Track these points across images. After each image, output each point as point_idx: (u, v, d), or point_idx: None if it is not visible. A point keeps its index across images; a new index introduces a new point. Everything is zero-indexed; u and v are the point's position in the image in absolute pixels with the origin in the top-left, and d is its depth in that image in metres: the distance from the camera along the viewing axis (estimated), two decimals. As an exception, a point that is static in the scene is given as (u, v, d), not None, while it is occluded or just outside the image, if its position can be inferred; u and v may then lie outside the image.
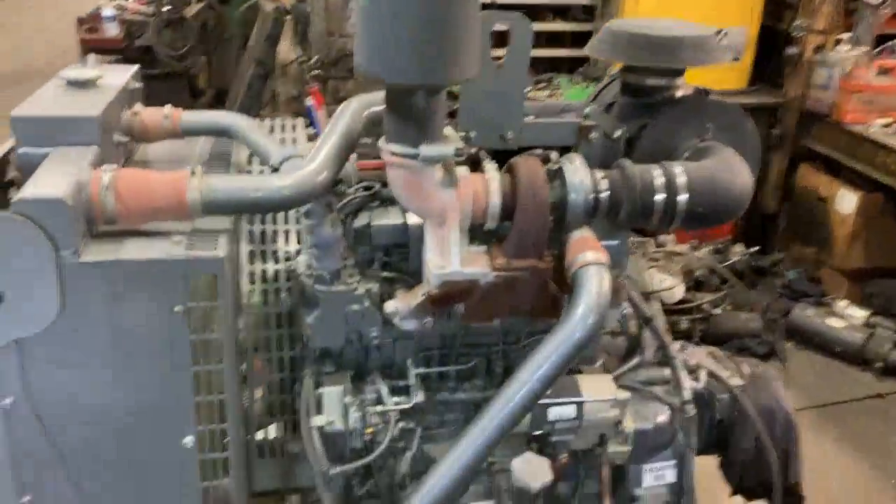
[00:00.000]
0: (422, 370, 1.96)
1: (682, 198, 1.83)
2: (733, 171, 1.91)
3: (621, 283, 1.96)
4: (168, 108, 1.95)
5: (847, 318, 4.64)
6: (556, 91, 4.33)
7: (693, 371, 2.18)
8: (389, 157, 1.71)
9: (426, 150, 1.68)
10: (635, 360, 2.18)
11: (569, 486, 2.17)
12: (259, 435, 2.02)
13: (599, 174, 1.85)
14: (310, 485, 1.99)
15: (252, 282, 1.93)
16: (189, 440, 1.65)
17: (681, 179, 1.84)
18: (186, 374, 1.59)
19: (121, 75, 1.94)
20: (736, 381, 2.29)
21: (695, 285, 4.33)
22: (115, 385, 1.57)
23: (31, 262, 1.44)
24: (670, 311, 4.16)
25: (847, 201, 4.85)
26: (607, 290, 1.73)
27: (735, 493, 2.39)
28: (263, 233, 2.00)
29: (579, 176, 1.82)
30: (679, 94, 2.12)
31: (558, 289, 1.87)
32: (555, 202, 1.82)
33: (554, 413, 1.94)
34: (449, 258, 1.79)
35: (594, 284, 1.72)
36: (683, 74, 2.12)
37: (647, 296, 4.07)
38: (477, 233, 1.87)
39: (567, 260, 1.80)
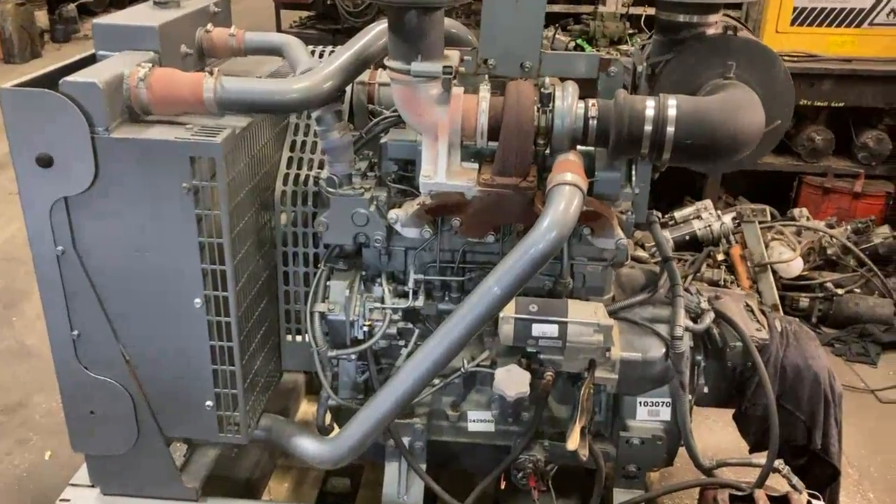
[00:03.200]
0: (420, 276, 2.14)
1: (670, 130, 1.86)
2: (737, 109, 1.89)
3: (612, 213, 2.01)
4: (234, 28, 2.25)
5: None
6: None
7: (699, 314, 2.17)
8: (390, 72, 1.90)
9: (417, 66, 1.85)
10: (642, 296, 2.21)
11: (567, 409, 2.26)
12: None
13: (591, 102, 1.92)
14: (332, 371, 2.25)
15: (285, 184, 2.19)
16: (198, 301, 1.95)
17: (671, 112, 1.86)
18: (193, 243, 1.89)
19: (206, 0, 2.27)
20: (760, 335, 2.24)
21: (826, 264, 4.09)
22: (140, 244, 1.90)
23: (71, 134, 1.79)
24: (789, 286, 3.97)
25: None
26: (575, 210, 1.81)
27: (754, 449, 2.34)
28: (304, 143, 2.26)
29: (567, 102, 1.90)
30: (710, 31, 2.11)
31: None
32: (544, 126, 1.92)
33: (537, 329, 2.03)
34: (437, 170, 1.95)
35: (563, 203, 1.81)
36: (718, 12, 2.11)
37: (762, 266, 3.96)
38: (486, 156, 2.01)
39: (548, 180, 1.90)
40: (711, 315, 2.17)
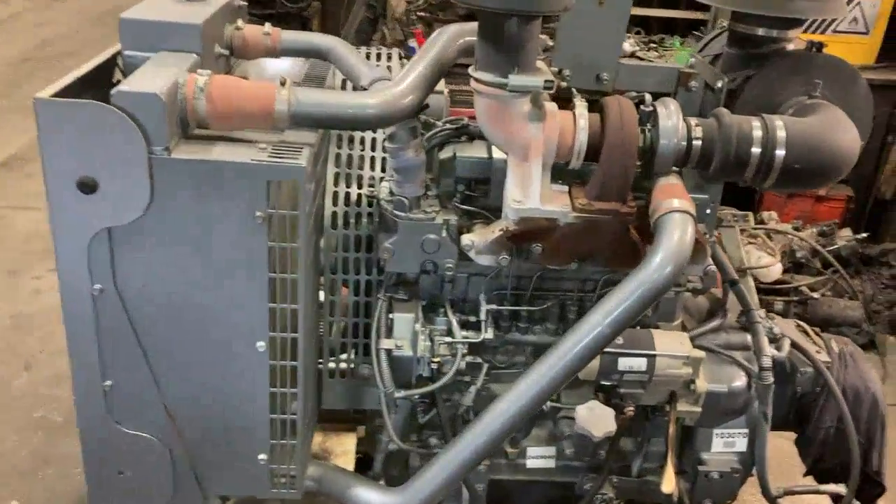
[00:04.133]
0: (493, 307, 1.95)
1: (780, 153, 1.75)
2: (838, 131, 1.81)
3: (706, 239, 1.89)
4: (269, 26, 1.99)
5: (959, 319, 4.35)
6: (667, 53, 4.19)
7: (776, 340, 2.09)
8: (477, 84, 1.70)
9: (515, 79, 1.66)
10: (716, 322, 2.11)
11: (634, 441, 2.14)
12: (331, 364, 2.07)
13: (694, 121, 1.79)
14: (376, 408, 2.03)
15: (335, 203, 1.96)
16: (262, 345, 1.70)
17: (780, 134, 1.76)
18: (263, 279, 1.63)
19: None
20: (822, 357, 2.19)
21: (794, 267, 4.15)
22: (197, 281, 1.63)
23: (125, 154, 1.50)
24: (765, 290, 4.00)
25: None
26: (689, 241, 1.67)
27: (809, 472, 2.30)
28: (350, 157, 2.03)
29: (672, 121, 1.76)
30: (790, 47, 2.02)
31: (640, 237, 1.83)
32: (644, 146, 1.77)
33: (624, 363, 1.90)
34: (529, 193, 1.77)
35: (676, 232, 1.67)
36: (799, 27, 2.02)
37: (742, 272, 3.95)
38: (562, 173, 1.84)
39: (651, 206, 1.76)
40: (788, 341, 2.10)
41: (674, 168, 1.83)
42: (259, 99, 1.61)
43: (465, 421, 2.03)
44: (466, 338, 1.94)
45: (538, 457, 2.13)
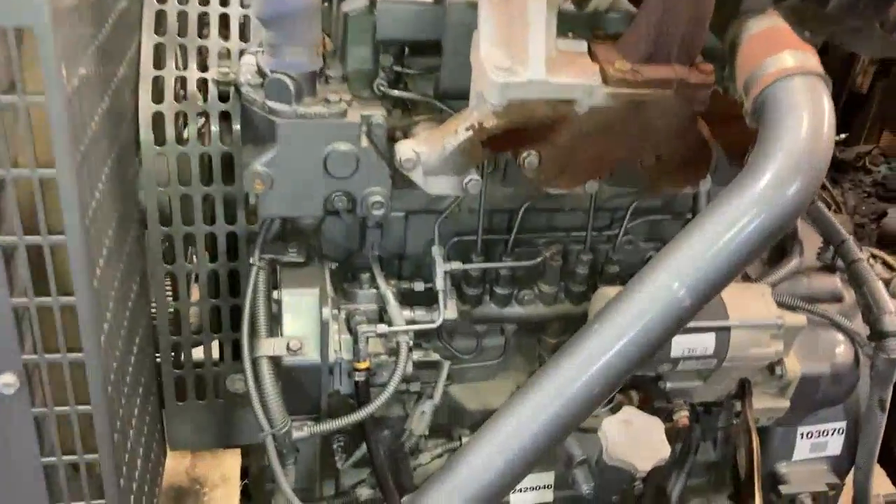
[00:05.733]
0: (457, 265, 1.13)
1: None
2: None
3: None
4: None
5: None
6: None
7: (888, 283, 1.37)
8: None
9: None
10: (793, 262, 1.37)
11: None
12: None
13: (808, -88, 1.00)
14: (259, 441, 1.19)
15: (159, 98, 1.07)
16: (9, 380, 0.83)
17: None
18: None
19: None
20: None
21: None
22: None
23: None
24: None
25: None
26: (829, 125, 0.89)
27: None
28: (184, 16, 1.13)
29: None
30: None
31: (710, 131, 1.05)
32: (724, -40, 0.97)
33: (681, 345, 1.13)
34: (524, 56, 0.94)
35: (803, 113, 0.88)
36: None
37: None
38: (570, 21, 1.02)
39: (742, 70, 0.96)
40: (904, 286, 1.38)
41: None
42: None
43: (412, 453, 1.23)
44: (413, 322, 1.12)
45: (527, 489, 1.36)
